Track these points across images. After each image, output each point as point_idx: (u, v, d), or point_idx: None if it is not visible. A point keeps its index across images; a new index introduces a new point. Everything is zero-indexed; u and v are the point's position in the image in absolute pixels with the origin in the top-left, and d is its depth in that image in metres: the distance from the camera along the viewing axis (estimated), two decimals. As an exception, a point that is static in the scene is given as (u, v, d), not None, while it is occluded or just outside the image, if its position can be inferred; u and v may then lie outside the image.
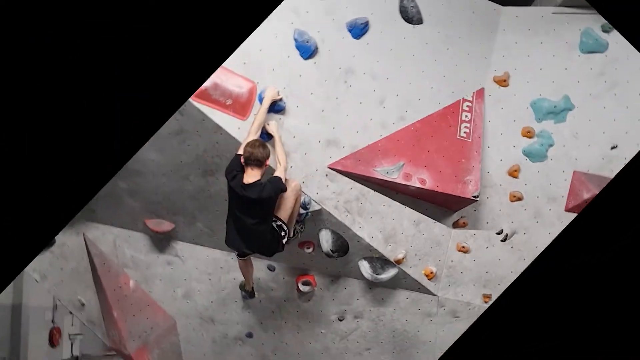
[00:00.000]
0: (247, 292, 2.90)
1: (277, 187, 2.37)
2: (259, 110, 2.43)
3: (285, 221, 2.46)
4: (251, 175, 2.34)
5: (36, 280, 3.18)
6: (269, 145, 2.40)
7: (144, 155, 2.63)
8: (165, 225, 2.95)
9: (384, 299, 2.95)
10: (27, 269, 3.08)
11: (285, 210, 2.45)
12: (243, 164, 2.35)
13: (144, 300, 3.11)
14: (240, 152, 2.37)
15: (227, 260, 3.03)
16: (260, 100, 2.47)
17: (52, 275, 3.14)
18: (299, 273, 2.98)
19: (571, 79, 2.92)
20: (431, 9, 2.75)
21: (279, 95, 2.49)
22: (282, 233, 2.44)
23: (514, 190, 2.92)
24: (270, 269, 3.00)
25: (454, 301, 2.94)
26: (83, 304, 3.21)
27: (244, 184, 2.34)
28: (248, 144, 2.35)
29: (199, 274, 3.08)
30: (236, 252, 2.61)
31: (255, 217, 2.36)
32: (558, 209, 2.92)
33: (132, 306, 3.09)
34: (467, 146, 2.77)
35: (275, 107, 2.52)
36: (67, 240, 3.09)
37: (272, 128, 2.49)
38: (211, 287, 3.10)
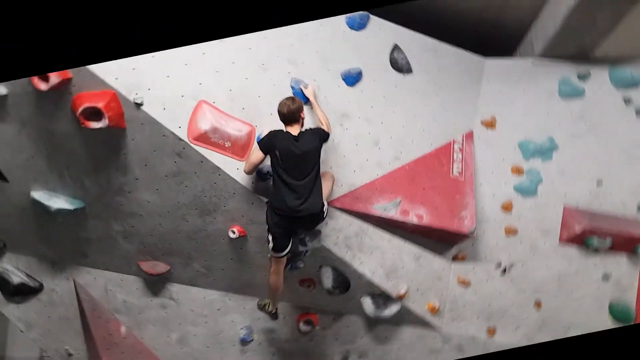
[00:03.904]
0: (270, 313, 2.74)
1: (321, 132, 2.45)
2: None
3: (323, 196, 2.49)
4: (294, 130, 2.42)
5: (21, 331, 2.98)
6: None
7: (140, 197, 2.61)
8: (160, 267, 2.86)
9: (387, 337, 2.91)
10: (11, 317, 2.91)
11: (323, 189, 2.50)
12: (284, 124, 2.43)
13: (136, 347, 2.94)
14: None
15: (224, 301, 2.94)
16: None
17: (38, 324, 2.94)
18: (299, 312, 2.92)
19: (553, 122, 3.16)
20: (420, 60, 2.97)
21: (311, 89, 2.63)
22: (324, 204, 2.47)
23: (508, 224, 3.03)
24: (260, 308, 2.92)
25: (459, 336, 2.93)
26: (70, 354, 3.00)
27: (294, 135, 2.39)
28: (278, 106, 2.42)
29: (195, 317, 2.96)
30: (276, 252, 2.49)
31: (310, 167, 2.39)
32: (552, 241, 3.03)
33: (123, 355, 2.90)
34: (460, 184, 2.89)
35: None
36: (56, 286, 2.94)
37: (309, 92, 2.61)
38: (207, 330, 2.97)
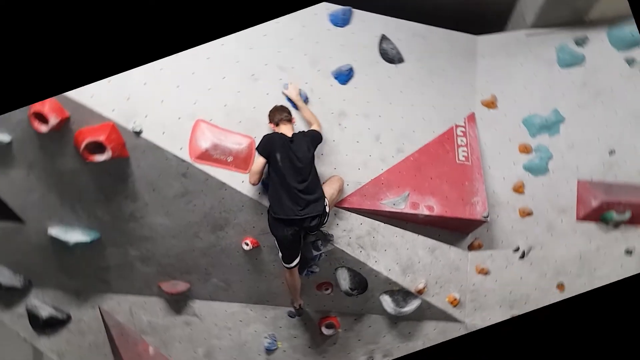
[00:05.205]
0: (296, 309, 2.80)
1: (315, 136, 2.46)
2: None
3: (327, 196, 2.48)
4: (287, 130, 2.44)
5: (55, 361, 3.12)
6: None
7: (152, 221, 2.67)
8: (180, 286, 2.93)
9: (411, 333, 2.88)
10: (44, 350, 3.03)
11: (327, 190, 2.50)
12: (274, 127, 2.47)
13: (165, 366, 3.03)
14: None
15: (247, 312, 2.98)
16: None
17: (70, 354, 3.06)
18: (320, 316, 2.93)
19: (556, 93, 3.03)
20: (410, 47, 2.90)
21: (297, 88, 2.63)
22: (325, 201, 2.45)
23: (522, 206, 2.93)
24: (291, 315, 2.95)
25: (483, 326, 2.85)
26: (104, 380, 3.12)
27: (289, 137, 2.41)
28: (271, 111, 2.48)
29: (219, 331, 3.01)
30: (287, 263, 2.52)
31: (308, 170, 2.40)
32: (570, 219, 2.93)
33: (153, 375, 3.00)
34: (468, 169, 2.81)
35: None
36: (83, 315, 3.05)
37: (291, 93, 2.60)
38: (232, 342, 3.02)
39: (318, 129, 2.49)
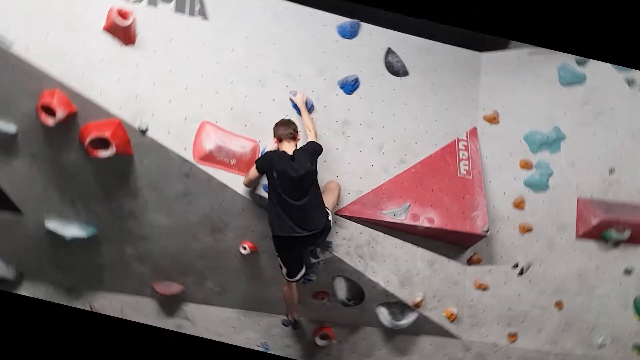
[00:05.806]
0: (291, 322, 2.75)
1: (316, 148, 2.44)
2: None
3: (328, 206, 2.46)
4: (289, 148, 2.42)
5: (41, 359, 3.03)
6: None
7: (151, 220, 2.67)
8: (174, 288, 2.89)
9: (406, 347, 2.84)
10: (32, 346, 2.95)
11: (327, 199, 2.49)
12: (277, 142, 2.45)
13: (153, 371, 2.95)
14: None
15: (240, 318, 2.93)
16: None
17: (57, 352, 3.00)
18: (315, 326, 2.88)
19: (557, 111, 3.08)
20: (415, 61, 2.96)
21: (305, 95, 2.66)
22: (328, 214, 2.43)
23: (522, 221, 2.94)
24: (285, 324, 2.90)
25: (480, 343, 2.83)
26: (90, 381, 3.03)
27: (290, 155, 2.39)
28: (277, 125, 2.46)
29: (210, 336, 2.96)
30: (291, 278, 2.50)
31: (308, 187, 2.36)
32: (569, 237, 2.93)
33: (141, 379, 2.91)
34: (469, 183, 2.83)
35: (307, 107, 2.68)
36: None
37: (297, 99, 2.62)
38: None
39: (314, 139, 2.50)
